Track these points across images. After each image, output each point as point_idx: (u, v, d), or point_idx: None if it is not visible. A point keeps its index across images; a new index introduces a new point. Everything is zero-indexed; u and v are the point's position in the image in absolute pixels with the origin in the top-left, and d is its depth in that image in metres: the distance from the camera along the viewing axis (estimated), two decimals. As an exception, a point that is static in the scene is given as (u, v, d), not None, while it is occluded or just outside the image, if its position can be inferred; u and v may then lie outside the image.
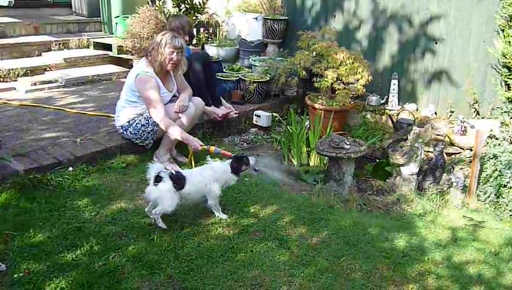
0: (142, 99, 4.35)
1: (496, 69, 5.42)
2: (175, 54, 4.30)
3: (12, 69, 6.44)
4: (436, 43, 6.05)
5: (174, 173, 3.45)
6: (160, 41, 4.28)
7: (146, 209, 3.55)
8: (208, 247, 3.32)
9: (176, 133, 4.21)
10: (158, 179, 3.38)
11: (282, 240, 3.48)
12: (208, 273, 3.05)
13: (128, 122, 4.48)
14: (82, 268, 2.99)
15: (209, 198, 3.64)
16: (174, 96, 4.61)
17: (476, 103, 5.76)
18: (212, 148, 4.06)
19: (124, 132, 4.54)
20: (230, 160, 3.76)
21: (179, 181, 3.44)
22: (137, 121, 4.45)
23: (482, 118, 5.67)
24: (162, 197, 3.41)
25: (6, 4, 7.50)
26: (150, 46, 4.39)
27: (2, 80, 6.34)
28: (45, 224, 3.41)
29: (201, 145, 4.11)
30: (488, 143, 4.49)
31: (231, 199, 4.00)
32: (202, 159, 4.59)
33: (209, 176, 3.62)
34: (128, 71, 7.13)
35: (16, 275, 2.88)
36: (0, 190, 3.69)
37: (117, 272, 2.98)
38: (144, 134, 4.47)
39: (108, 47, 7.63)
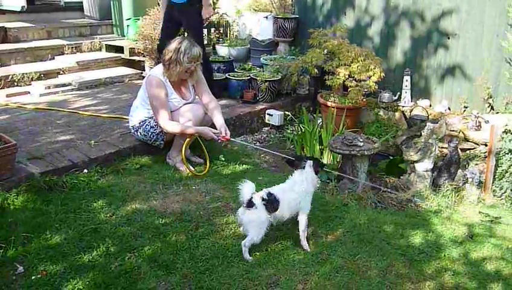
0: None
1: (510, 63, 5.37)
2: (193, 63, 4.30)
3: (26, 73, 6.52)
4: (448, 38, 6.00)
5: (266, 196, 3.22)
6: (179, 50, 4.20)
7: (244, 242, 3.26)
8: (223, 246, 3.32)
9: (180, 129, 4.24)
10: (251, 203, 3.16)
11: (297, 238, 3.47)
12: (223, 272, 3.06)
13: (139, 123, 4.51)
14: (98, 269, 3.01)
15: (301, 213, 3.38)
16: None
17: (490, 97, 5.70)
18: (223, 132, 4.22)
19: (135, 133, 4.58)
20: (312, 163, 3.43)
21: (272, 204, 3.23)
22: (146, 123, 4.47)
23: (497, 112, 5.61)
24: (252, 224, 3.20)
25: (19, 9, 7.57)
26: (166, 54, 4.27)
27: (16, 84, 6.42)
28: (61, 226, 3.44)
29: (214, 133, 4.19)
30: (503, 138, 4.44)
31: (245, 198, 4.01)
32: (216, 159, 4.64)
33: (302, 190, 3.36)
34: (140, 73, 7.25)
35: (33, 277, 2.92)
36: (17, 193, 3.73)
37: (133, 273, 3.00)
38: (153, 135, 4.48)
39: (120, 49, 7.68)
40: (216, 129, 4.31)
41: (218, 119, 4.41)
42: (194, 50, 4.26)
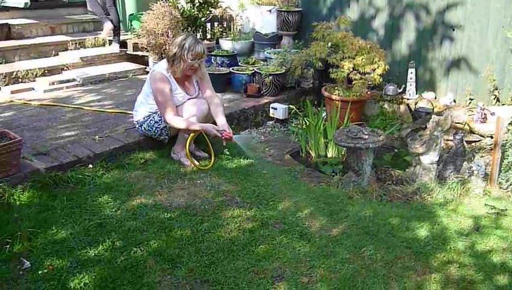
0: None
1: (515, 55, 5.33)
2: (197, 60, 4.29)
3: (30, 70, 6.51)
4: (453, 30, 5.95)
5: None
6: (183, 46, 4.22)
7: None
8: (228, 240, 3.33)
9: (185, 124, 4.26)
10: None
11: (302, 231, 3.47)
12: (228, 266, 3.06)
13: (144, 118, 4.51)
14: (104, 263, 3.03)
15: None
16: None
17: (496, 89, 5.66)
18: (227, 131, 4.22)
19: (139, 128, 4.58)
20: None
21: None
22: (151, 118, 4.47)
23: (503, 104, 5.57)
24: None
25: (22, 6, 7.56)
26: (171, 50, 4.30)
27: (20, 80, 6.42)
28: (67, 221, 3.46)
29: (217, 131, 4.21)
30: (509, 130, 4.41)
31: (250, 192, 4.01)
32: (220, 153, 4.64)
33: None
34: (144, 68, 7.25)
35: (40, 272, 2.93)
36: (22, 188, 3.74)
37: (139, 267, 3.01)
38: (157, 130, 4.49)
39: (123, 44, 7.67)
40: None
41: (221, 120, 4.39)
42: (198, 47, 4.26)
